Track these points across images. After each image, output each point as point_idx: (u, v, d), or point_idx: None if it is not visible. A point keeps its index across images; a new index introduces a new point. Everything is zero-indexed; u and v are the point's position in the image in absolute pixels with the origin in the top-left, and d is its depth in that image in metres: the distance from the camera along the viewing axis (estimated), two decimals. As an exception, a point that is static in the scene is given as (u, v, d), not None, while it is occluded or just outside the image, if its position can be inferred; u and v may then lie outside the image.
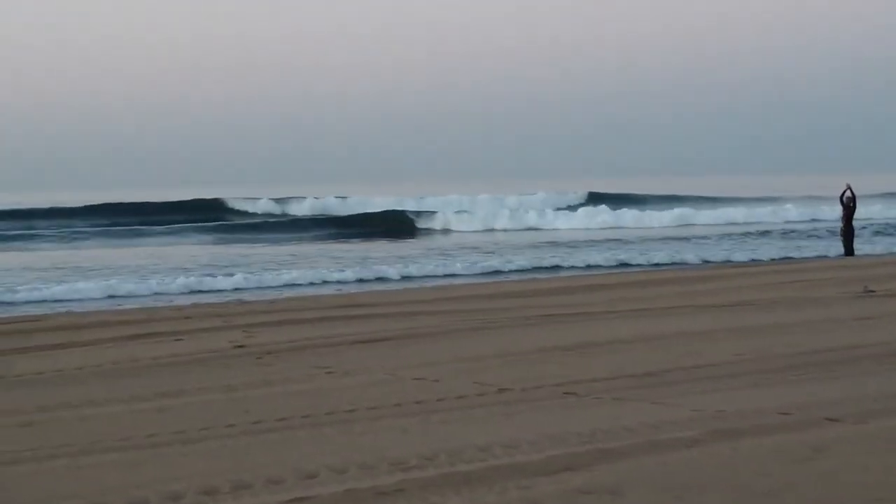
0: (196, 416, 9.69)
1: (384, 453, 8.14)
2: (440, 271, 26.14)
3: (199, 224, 47.61)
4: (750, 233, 41.26)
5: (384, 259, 29.49)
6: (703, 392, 10.52)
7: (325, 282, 22.95)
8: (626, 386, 10.84)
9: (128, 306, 19.75)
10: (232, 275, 23.73)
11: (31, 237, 42.02)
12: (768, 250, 33.08)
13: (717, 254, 31.63)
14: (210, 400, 10.46)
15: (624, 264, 28.12)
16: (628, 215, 51.96)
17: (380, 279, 24.49)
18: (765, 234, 40.78)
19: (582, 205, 61.00)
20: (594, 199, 65.60)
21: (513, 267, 27.08)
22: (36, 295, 20.58)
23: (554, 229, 47.53)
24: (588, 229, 46.60)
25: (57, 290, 20.93)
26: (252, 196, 63.02)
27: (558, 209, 57.21)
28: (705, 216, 52.27)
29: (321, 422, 9.39)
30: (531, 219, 51.27)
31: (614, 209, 53.94)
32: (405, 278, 24.72)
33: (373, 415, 9.65)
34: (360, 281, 23.84)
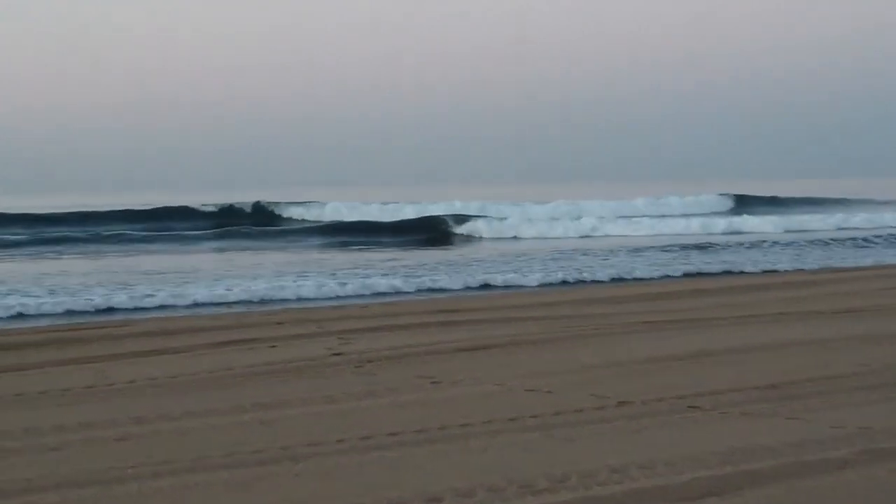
0: (301, 430, 9.14)
1: (510, 474, 7.54)
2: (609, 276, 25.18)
3: (229, 228, 46.28)
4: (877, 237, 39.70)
5: (491, 265, 28.68)
6: (836, 406, 9.83)
7: (428, 289, 22.07)
8: (751, 399, 10.16)
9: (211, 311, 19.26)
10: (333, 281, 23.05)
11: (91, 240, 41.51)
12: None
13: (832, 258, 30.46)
14: (314, 412, 9.90)
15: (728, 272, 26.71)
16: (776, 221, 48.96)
17: (485, 286, 23.62)
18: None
19: (732, 210, 59.43)
20: (739, 202, 64.39)
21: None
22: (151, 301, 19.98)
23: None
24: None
25: (162, 296, 20.36)
26: (287, 200, 61.23)
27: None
28: (860, 220, 49.65)
29: (435, 437, 8.80)
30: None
31: (762, 213, 52.26)
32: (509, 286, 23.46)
33: (489, 429, 9.04)
34: (468, 288, 22.92)
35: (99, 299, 20.01)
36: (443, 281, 23.63)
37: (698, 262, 28.86)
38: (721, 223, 47.80)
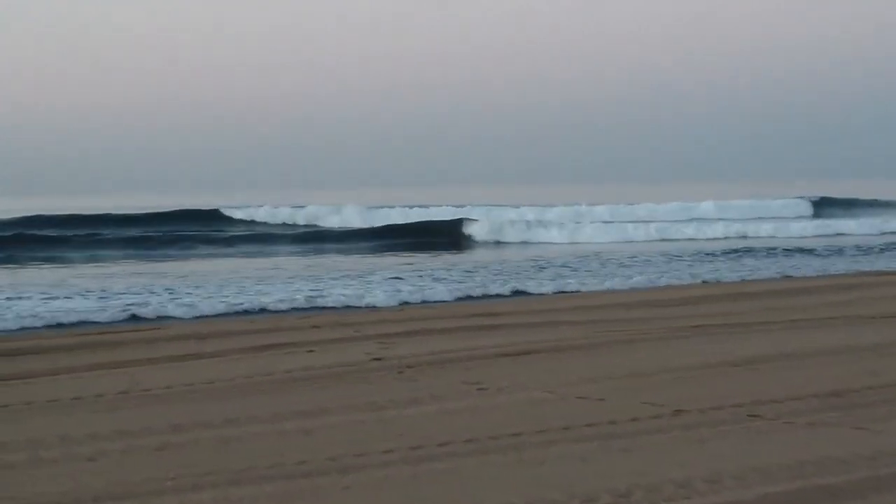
0: (346, 439, 8.75)
1: (570, 488, 7.14)
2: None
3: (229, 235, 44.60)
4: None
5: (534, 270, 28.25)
6: (904, 415, 9.41)
7: (469, 297, 21.52)
8: (813, 408, 9.73)
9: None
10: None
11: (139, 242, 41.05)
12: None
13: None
14: (357, 420, 9.51)
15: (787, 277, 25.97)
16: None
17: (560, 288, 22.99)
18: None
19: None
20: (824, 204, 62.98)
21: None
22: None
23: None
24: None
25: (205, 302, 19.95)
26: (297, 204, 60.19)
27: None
28: None
29: (487, 448, 8.39)
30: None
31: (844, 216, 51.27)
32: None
33: (542, 439, 8.64)
34: (517, 293, 22.33)
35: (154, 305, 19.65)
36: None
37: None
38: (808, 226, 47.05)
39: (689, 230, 45.00)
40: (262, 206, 57.22)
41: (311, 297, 20.71)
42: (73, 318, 18.04)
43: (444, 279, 24.75)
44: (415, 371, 11.97)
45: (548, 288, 22.72)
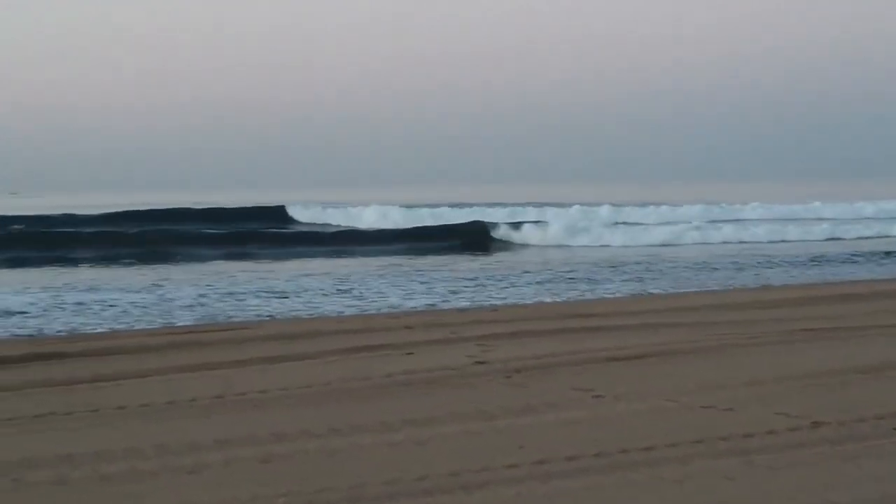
0: (463, 452, 8.10)
1: (723, 512, 6.46)
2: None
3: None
4: None
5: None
6: None
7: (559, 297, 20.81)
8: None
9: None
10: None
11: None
12: None
13: None
14: (471, 430, 8.85)
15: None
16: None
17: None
18: None
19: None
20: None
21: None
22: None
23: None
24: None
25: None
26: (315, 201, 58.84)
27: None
28: None
29: (619, 463, 7.71)
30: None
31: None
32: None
33: (676, 454, 7.94)
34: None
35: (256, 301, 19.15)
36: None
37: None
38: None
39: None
40: (324, 205, 56.71)
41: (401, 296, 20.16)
42: (162, 317, 17.60)
43: (525, 279, 24.16)
44: (522, 376, 11.30)
45: (629, 288, 22.04)
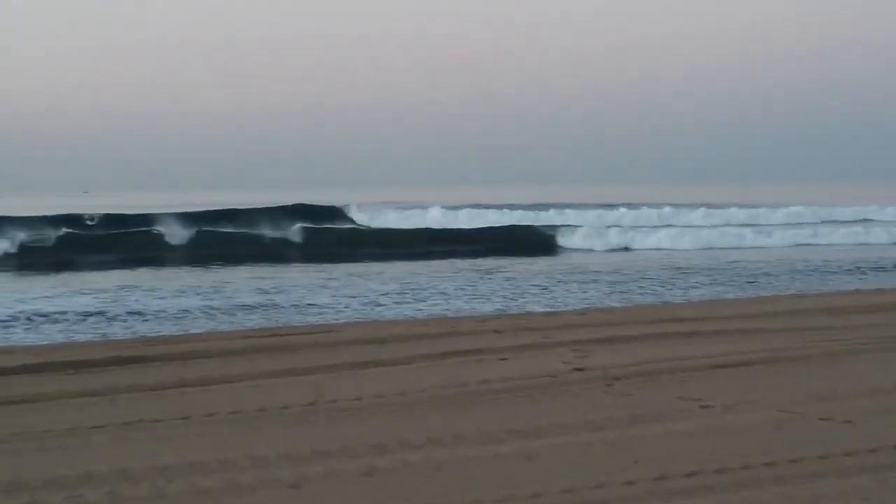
0: (575, 465, 7.69)
1: (866, 537, 5.99)
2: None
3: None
4: None
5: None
6: None
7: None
8: None
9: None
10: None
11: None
12: None
13: None
14: (579, 442, 8.43)
15: None
16: None
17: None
18: None
19: None
20: None
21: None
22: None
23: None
24: None
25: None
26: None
27: None
28: None
29: (742, 480, 7.27)
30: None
31: None
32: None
33: (801, 471, 7.50)
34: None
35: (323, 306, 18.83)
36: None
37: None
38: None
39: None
40: (384, 205, 56.06)
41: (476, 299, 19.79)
42: (237, 320, 17.35)
43: (597, 282, 23.72)
44: (624, 384, 10.86)
45: (713, 292, 21.53)
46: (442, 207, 54.09)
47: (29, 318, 17.59)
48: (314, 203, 51.34)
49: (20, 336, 15.88)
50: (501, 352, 12.92)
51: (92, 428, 9.18)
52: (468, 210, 54.15)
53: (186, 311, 18.55)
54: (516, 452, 8.09)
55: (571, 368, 11.67)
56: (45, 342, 15.09)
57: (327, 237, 40.33)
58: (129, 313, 18.27)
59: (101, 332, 16.18)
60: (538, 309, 18.58)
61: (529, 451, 8.11)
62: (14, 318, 17.72)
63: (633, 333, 14.32)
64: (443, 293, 21.36)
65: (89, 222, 42.79)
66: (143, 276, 26.97)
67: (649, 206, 56.39)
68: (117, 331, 16.28)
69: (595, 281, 24.22)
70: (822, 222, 50.71)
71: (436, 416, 9.49)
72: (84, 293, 21.63)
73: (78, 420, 9.51)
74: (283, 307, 19.10)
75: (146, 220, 43.07)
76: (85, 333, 16.03)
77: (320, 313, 18.27)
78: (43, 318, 17.61)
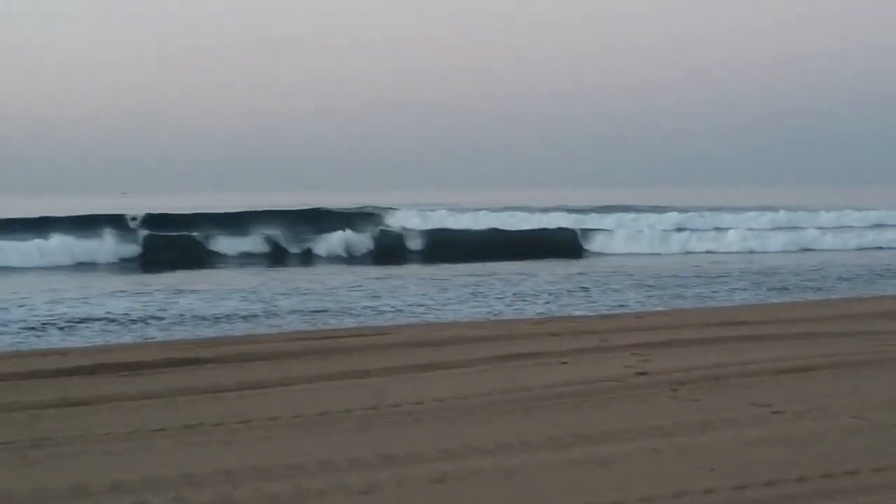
0: (650, 473, 7.48)
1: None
2: None
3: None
4: None
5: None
6: None
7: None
8: None
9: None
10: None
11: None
12: None
13: None
14: (650, 448, 8.22)
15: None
16: None
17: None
18: None
19: None
20: None
21: None
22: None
23: None
24: None
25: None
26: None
27: None
28: None
29: (825, 489, 7.05)
30: None
31: None
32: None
33: (887, 481, 7.26)
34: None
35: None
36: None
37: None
38: None
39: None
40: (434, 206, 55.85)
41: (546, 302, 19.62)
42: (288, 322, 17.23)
43: (652, 286, 23.49)
44: (690, 389, 10.64)
45: (775, 296, 21.24)
46: (488, 211, 53.94)
47: (91, 320, 17.55)
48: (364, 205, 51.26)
49: (85, 335, 15.82)
50: (561, 355, 12.72)
51: (153, 431, 9.04)
52: (511, 213, 53.92)
53: (252, 314, 18.49)
54: (587, 459, 7.89)
55: (634, 373, 11.46)
56: (98, 343, 15.01)
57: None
58: (182, 315, 18.19)
59: (152, 333, 16.08)
60: (591, 312, 18.36)
61: (601, 458, 7.91)
62: (85, 318, 17.72)
63: (694, 337, 14.08)
64: (489, 294, 21.18)
65: (132, 222, 42.82)
66: (194, 277, 26.95)
67: (697, 209, 55.97)
68: (171, 332, 16.18)
69: (648, 285, 24.02)
70: (873, 226, 50.22)
71: (501, 421, 9.30)
72: (128, 294, 21.59)
73: (137, 423, 9.37)
74: (329, 310, 18.97)
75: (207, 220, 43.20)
76: (138, 334, 15.95)
77: (376, 314, 18.12)
78: (103, 321, 17.57)
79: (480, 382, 11.07)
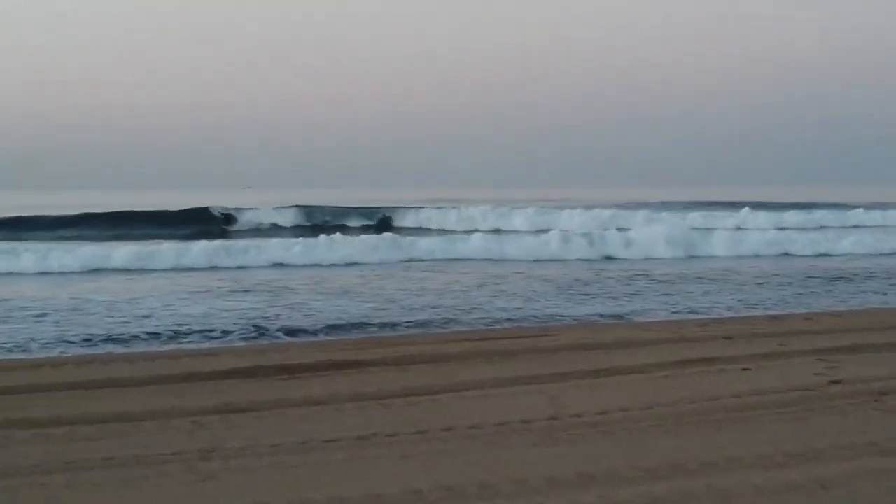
0: (882, 499, 6.75)
1: None
2: None
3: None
4: None
5: None
6: None
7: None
8: None
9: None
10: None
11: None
12: None
13: None
14: (872, 469, 7.49)
15: None
16: None
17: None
18: None
19: None
20: None
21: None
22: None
23: None
24: None
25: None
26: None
27: None
28: None
29: None
30: None
31: None
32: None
33: None
34: None
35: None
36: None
37: None
38: None
39: None
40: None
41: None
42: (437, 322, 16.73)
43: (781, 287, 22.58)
44: (894, 399, 9.83)
45: None
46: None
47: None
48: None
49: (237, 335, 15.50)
50: (741, 360, 11.98)
51: (325, 442, 8.52)
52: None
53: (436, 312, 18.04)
54: (808, 481, 7.19)
55: (827, 381, 10.69)
56: (253, 344, 14.62)
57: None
58: (341, 314, 17.79)
59: (308, 332, 15.68)
60: (758, 313, 17.57)
61: (822, 480, 7.20)
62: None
63: (881, 341, 13.22)
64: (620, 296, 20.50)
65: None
66: (338, 275, 26.61)
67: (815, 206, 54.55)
68: (324, 332, 15.76)
69: (772, 282, 23.14)
70: None
71: (695, 435, 8.62)
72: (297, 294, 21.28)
73: (307, 432, 8.87)
74: (488, 310, 18.44)
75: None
76: (292, 335, 15.55)
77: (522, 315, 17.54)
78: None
79: (662, 390, 10.39)
